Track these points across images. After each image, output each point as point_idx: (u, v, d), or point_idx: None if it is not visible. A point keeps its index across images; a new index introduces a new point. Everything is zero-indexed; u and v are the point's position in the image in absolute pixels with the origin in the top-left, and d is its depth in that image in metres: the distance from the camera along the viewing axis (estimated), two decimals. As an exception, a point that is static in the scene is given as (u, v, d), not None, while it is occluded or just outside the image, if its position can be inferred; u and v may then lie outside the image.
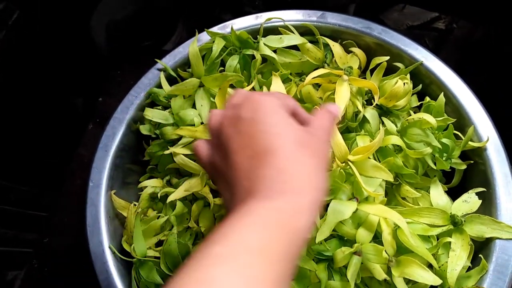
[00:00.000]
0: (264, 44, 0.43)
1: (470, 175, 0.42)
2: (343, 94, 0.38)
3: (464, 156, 0.42)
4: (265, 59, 0.45)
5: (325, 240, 0.37)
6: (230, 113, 0.27)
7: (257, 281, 0.19)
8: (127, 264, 0.39)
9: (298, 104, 0.30)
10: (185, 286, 0.18)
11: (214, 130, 0.29)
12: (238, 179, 0.25)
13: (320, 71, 0.39)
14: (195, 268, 0.19)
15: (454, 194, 0.39)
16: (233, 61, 0.42)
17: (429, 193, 0.39)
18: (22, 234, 0.52)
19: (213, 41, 0.44)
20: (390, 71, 0.45)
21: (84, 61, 0.63)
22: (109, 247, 0.38)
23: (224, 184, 0.28)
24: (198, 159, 0.33)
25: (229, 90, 0.44)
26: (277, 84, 0.38)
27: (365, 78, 0.45)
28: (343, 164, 0.36)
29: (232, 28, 0.44)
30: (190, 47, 0.43)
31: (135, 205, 0.41)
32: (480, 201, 0.37)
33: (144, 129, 0.44)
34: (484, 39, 0.68)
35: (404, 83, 0.41)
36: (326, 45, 0.45)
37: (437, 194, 0.39)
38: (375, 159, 0.39)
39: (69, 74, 0.62)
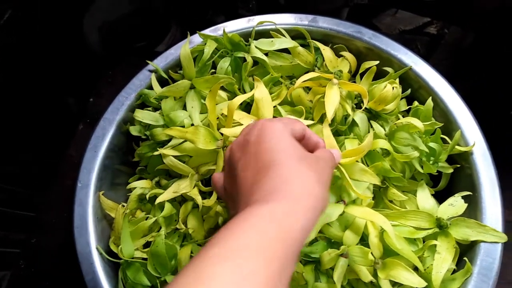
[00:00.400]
0: (256, 47, 0.44)
1: (457, 179, 0.42)
2: (333, 97, 0.38)
3: (451, 160, 0.42)
4: (256, 62, 0.45)
5: (312, 242, 0.37)
6: (240, 139, 0.30)
7: (254, 277, 0.20)
8: (114, 265, 0.39)
9: (307, 128, 0.31)
10: (186, 285, 0.19)
11: (226, 158, 0.31)
12: (243, 192, 0.26)
13: (311, 75, 0.39)
14: (194, 269, 0.20)
15: (440, 197, 0.39)
16: (225, 63, 0.43)
17: (416, 196, 0.40)
18: (10, 235, 0.52)
19: (205, 43, 0.44)
20: (379, 75, 0.45)
21: (76, 62, 0.63)
22: (96, 248, 0.38)
23: (232, 204, 0.29)
24: (214, 189, 0.35)
25: (220, 92, 0.44)
26: (260, 90, 0.38)
27: (355, 82, 0.45)
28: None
29: (224, 31, 0.44)
30: (182, 49, 0.43)
31: (123, 206, 0.41)
32: (466, 204, 0.37)
33: (134, 130, 0.44)
34: (474, 45, 0.69)
35: (393, 88, 0.41)
36: (317, 49, 0.46)
37: (424, 197, 0.39)
38: (363, 163, 0.40)
39: (60, 74, 0.62)
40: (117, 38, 0.69)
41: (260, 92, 0.39)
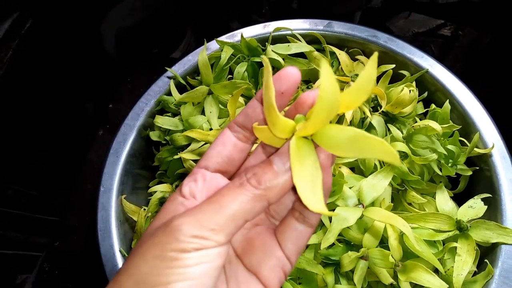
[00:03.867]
0: (272, 51, 0.44)
1: (476, 181, 0.42)
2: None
3: (469, 162, 0.42)
4: (272, 67, 0.46)
5: (332, 245, 0.37)
6: None
7: None
8: (137, 267, 0.39)
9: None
10: None
11: None
12: None
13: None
14: None
15: (459, 200, 0.39)
16: (241, 68, 0.43)
17: (435, 198, 0.40)
18: (32, 238, 0.53)
19: (221, 50, 0.44)
20: (395, 79, 0.46)
21: (95, 68, 0.65)
22: (120, 251, 0.38)
23: None
24: None
25: (240, 99, 0.45)
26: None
27: (371, 85, 0.46)
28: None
29: (242, 36, 0.45)
30: (200, 56, 0.44)
31: (145, 209, 0.42)
32: (486, 206, 0.37)
33: (154, 136, 0.45)
34: (490, 46, 0.69)
35: (410, 91, 0.42)
36: (333, 54, 0.46)
37: (443, 199, 0.39)
38: (380, 164, 0.40)
39: (79, 80, 0.63)
40: (133, 44, 0.71)
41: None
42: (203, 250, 0.18)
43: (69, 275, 0.50)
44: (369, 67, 0.17)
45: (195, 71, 0.47)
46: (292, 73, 0.20)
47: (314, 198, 0.18)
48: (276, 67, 0.46)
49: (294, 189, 0.19)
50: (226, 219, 0.18)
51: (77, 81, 0.63)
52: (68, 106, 0.62)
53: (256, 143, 0.23)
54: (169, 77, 0.46)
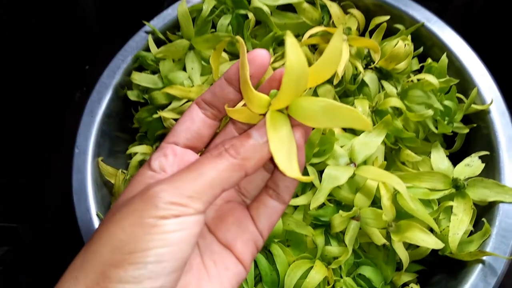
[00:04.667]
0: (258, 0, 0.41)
1: (472, 139, 0.40)
2: (343, 53, 0.36)
3: (466, 120, 0.40)
4: (259, 22, 0.43)
5: (321, 206, 0.35)
6: None
7: None
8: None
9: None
10: None
11: None
12: None
13: (318, 28, 0.37)
14: None
15: (454, 161, 0.37)
16: (225, 20, 0.40)
17: (429, 157, 0.38)
18: (7, 206, 0.50)
19: (203, 1, 0.41)
20: (389, 34, 0.43)
21: (70, 28, 0.61)
22: (97, 215, 0.36)
23: None
24: None
25: (224, 54, 0.42)
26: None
27: (364, 40, 0.43)
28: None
29: (224, -14, 0.41)
30: (179, 7, 0.40)
31: (123, 172, 0.39)
32: (483, 164, 0.35)
33: (132, 95, 0.42)
34: (484, 9, 0.66)
35: (405, 44, 0.39)
36: (324, 7, 0.43)
37: (439, 158, 0.37)
38: (373, 122, 0.38)
39: (53, 41, 0.59)
40: (110, 2, 0.67)
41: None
42: (181, 217, 0.18)
43: (47, 240, 0.48)
44: (335, 40, 0.17)
45: (175, 26, 0.44)
46: (262, 55, 0.20)
47: (290, 166, 0.18)
48: (263, 21, 0.43)
49: (266, 166, 0.21)
50: (204, 187, 0.18)
51: (51, 41, 0.59)
52: (42, 68, 0.58)
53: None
54: (147, 32, 0.43)
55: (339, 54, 0.18)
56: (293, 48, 0.17)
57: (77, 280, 0.17)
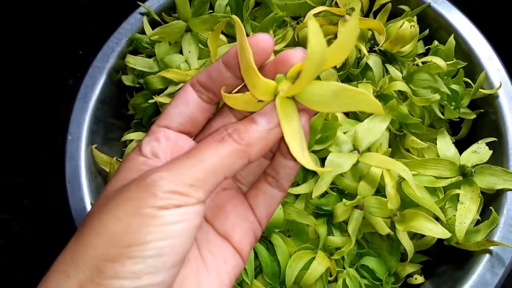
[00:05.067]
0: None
1: (479, 126, 0.39)
2: (346, 35, 0.34)
3: (472, 106, 0.39)
4: (258, 3, 0.41)
5: (324, 194, 0.34)
6: None
7: None
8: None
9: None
10: None
11: None
12: None
13: (320, 8, 0.35)
14: None
15: (460, 148, 0.36)
16: (223, 1, 0.39)
17: (435, 144, 0.36)
18: (7, 206, 0.49)
19: (201, -19, 0.39)
20: (394, 15, 0.41)
21: (63, 12, 0.59)
22: (91, 204, 0.35)
23: None
24: None
25: (222, 37, 0.40)
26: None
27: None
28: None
29: (222, -35, 0.39)
30: (175, -13, 0.39)
31: (118, 160, 0.38)
32: (491, 151, 0.34)
33: (126, 80, 0.40)
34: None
35: (410, 26, 0.37)
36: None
37: (445, 144, 0.36)
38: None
39: (45, 26, 0.57)
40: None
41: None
42: (182, 207, 0.16)
43: (42, 232, 0.47)
44: (352, 23, 0.16)
45: (171, 7, 0.42)
46: (265, 41, 0.18)
47: (304, 156, 0.18)
48: (263, 2, 0.41)
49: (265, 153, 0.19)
50: (206, 174, 0.17)
51: (43, 25, 0.57)
52: (34, 53, 0.56)
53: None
54: (142, 13, 0.41)
55: (354, 39, 0.16)
56: (316, 34, 0.15)
57: (68, 275, 0.16)
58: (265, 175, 0.21)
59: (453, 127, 0.40)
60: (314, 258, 0.31)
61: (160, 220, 0.16)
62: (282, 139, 0.18)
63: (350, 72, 0.39)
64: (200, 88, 0.20)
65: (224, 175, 0.17)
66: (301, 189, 0.34)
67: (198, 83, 0.20)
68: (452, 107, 0.36)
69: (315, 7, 0.40)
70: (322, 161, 0.34)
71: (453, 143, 0.37)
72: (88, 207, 0.35)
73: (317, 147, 0.34)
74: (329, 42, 0.37)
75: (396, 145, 0.38)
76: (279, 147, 0.20)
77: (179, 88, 0.36)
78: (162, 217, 0.16)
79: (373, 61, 0.39)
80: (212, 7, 0.41)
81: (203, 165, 0.17)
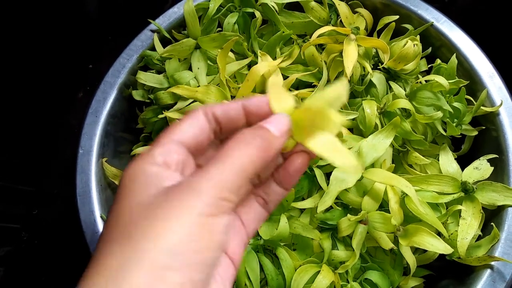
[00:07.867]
0: (265, 1, 0.40)
1: (481, 142, 0.40)
2: (351, 53, 0.35)
3: (474, 123, 0.40)
4: (265, 21, 0.42)
5: (329, 209, 0.35)
6: None
7: None
8: (120, 234, 0.37)
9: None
10: None
11: None
12: None
13: (327, 28, 0.37)
14: None
15: (462, 164, 0.37)
16: (232, 19, 0.40)
17: (438, 160, 0.37)
18: (10, 208, 0.50)
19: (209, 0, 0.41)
20: (397, 34, 0.42)
21: (73, 25, 0.60)
22: (101, 217, 0.36)
23: None
24: None
25: (230, 54, 0.41)
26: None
27: (371, 40, 0.42)
28: None
29: (231, -15, 0.41)
30: (185, 5, 0.40)
31: (128, 173, 0.39)
32: (492, 168, 0.35)
33: (137, 95, 0.41)
34: (487, 10, 0.65)
35: (414, 44, 0.38)
36: (331, 6, 0.42)
37: (447, 161, 0.37)
38: (381, 124, 0.37)
39: (57, 39, 0.59)
40: (116, 1, 0.66)
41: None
42: (228, 214, 0.17)
43: (50, 243, 0.48)
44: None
45: (181, 25, 0.43)
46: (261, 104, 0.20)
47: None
48: (270, 20, 0.42)
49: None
50: (241, 179, 0.17)
51: (55, 39, 0.59)
52: (45, 66, 0.57)
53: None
54: (153, 31, 0.42)
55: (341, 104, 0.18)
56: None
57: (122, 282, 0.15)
58: (256, 196, 0.23)
59: (455, 143, 0.41)
60: (319, 272, 0.32)
61: (213, 228, 0.17)
62: (277, 168, 0.21)
63: (355, 89, 0.40)
64: (212, 120, 0.21)
65: (251, 177, 0.18)
66: (307, 204, 0.35)
67: (213, 115, 0.21)
68: (454, 124, 0.37)
69: (321, 25, 0.42)
70: (327, 176, 0.34)
71: (455, 159, 0.38)
72: (98, 219, 0.36)
73: (322, 163, 0.35)
74: (333, 60, 0.38)
75: (400, 161, 0.39)
76: (273, 175, 0.22)
77: (189, 104, 0.37)
78: (213, 225, 0.17)
79: (377, 78, 0.40)
80: (220, 25, 0.42)
81: (237, 170, 0.17)
